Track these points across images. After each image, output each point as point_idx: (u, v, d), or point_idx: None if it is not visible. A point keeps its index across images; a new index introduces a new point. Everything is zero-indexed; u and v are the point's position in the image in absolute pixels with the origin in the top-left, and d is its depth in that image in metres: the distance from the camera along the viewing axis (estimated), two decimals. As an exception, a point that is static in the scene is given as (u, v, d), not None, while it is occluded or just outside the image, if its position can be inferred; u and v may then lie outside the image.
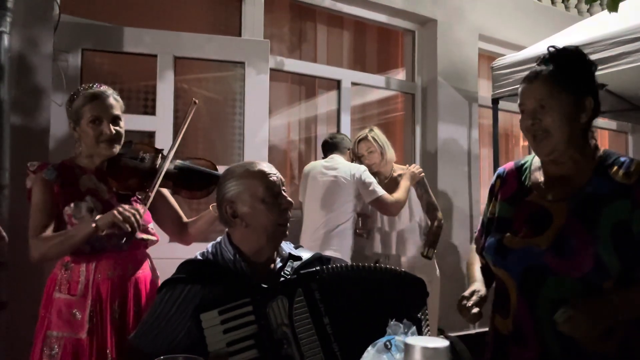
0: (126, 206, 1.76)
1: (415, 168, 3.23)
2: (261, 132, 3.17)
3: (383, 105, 4.57)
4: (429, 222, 3.27)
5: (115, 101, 1.94)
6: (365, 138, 3.23)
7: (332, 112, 4.14)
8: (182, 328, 1.39)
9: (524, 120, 1.50)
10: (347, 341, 1.34)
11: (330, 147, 3.27)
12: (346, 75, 4.10)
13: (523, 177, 1.59)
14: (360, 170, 3.07)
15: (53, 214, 1.84)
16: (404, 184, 3.11)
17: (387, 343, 0.95)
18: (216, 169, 2.06)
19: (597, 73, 1.53)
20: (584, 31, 3.35)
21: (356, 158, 3.29)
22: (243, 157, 3.11)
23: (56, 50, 2.80)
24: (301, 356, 1.32)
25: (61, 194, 1.85)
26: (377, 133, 3.25)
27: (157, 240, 1.99)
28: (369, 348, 0.98)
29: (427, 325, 1.50)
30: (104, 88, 1.95)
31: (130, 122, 3.08)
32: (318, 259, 1.63)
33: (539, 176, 1.55)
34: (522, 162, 1.64)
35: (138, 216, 1.75)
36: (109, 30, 3.00)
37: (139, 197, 2.00)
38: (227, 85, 3.29)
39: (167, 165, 1.93)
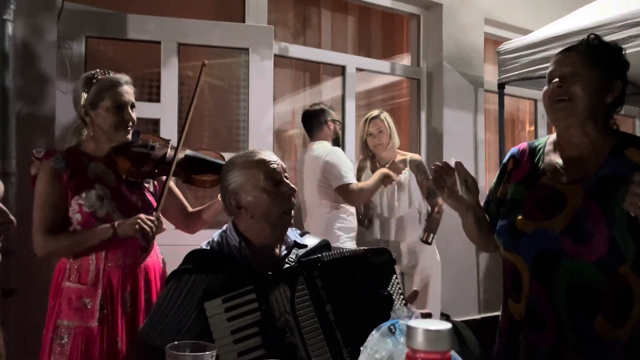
0: (145, 217, 1.77)
1: (415, 157, 3.22)
2: (266, 118, 3.16)
3: (388, 90, 4.55)
4: (430, 208, 3.26)
5: (131, 88, 1.96)
6: (377, 117, 3.21)
7: (337, 98, 4.13)
8: (188, 318, 1.39)
9: (551, 85, 1.49)
10: (349, 328, 1.34)
11: (307, 125, 3.21)
12: (351, 61, 4.07)
13: (536, 159, 1.57)
14: (327, 152, 3.02)
15: (61, 206, 1.83)
16: (376, 175, 3.06)
17: (392, 327, 0.96)
18: (224, 160, 2.06)
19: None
20: (591, 14, 3.31)
21: (361, 139, 3.27)
22: (248, 144, 3.11)
23: (60, 38, 2.79)
24: (304, 344, 1.32)
25: (70, 184, 1.83)
26: (387, 116, 3.25)
27: (164, 230, 1.97)
28: (373, 332, 0.98)
29: (401, 295, 1.48)
30: (120, 75, 1.95)
31: (135, 110, 3.07)
32: (324, 246, 1.63)
33: (553, 158, 1.53)
34: (536, 143, 1.62)
35: (155, 230, 1.79)
36: (113, 17, 2.99)
37: (146, 185, 2.01)
38: (231, 71, 3.29)
39: (180, 152, 1.93)
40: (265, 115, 3.16)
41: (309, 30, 4.15)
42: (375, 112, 3.25)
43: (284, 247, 1.57)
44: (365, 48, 4.41)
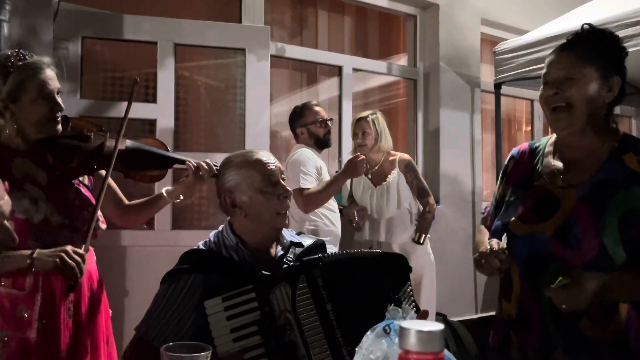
0: (72, 251, 1.53)
1: (404, 156, 3.19)
2: (262, 119, 3.16)
3: (385, 91, 4.55)
4: (421, 208, 3.22)
5: (53, 70, 1.70)
6: (364, 118, 3.15)
7: (333, 98, 4.13)
8: (188, 318, 1.40)
9: (546, 91, 1.45)
10: (349, 327, 1.35)
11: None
12: (347, 61, 4.08)
13: (535, 161, 1.56)
14: (293, 154, 3.00)
15: None
16: (335, 177, 2.94)
17: (386, 327, 0.96)
18: (167, 149, 1.94)
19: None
20: (588, 14, 3.32)
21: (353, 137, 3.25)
22: (244, 145, 3.11)
23: (56, 38, 2.79)
24: (304, 342, 1.32)
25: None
26: (379, 118, 3.18)
27: (105, 228, 1.80)
28: (368, 333, 0.98)
29: (412, 302, 1.49)
30: (39, 57, 1.69)
31: (131, 110, 3.05)
32: (320, 246, 1.65)
33: (552, 160, 1.52)
34: (537, 144, 1.60)
35: (82, 266, 1.54)
36: (109, 17, 2.98)
37: (80, 180, 1.81)
38: (227, 72, 3.28)
39: (119, 145, 1.73)
40: (262, 116, 3.16)
41: (306, 30, 4.15)
42: (365, 113, 3.19)
43: (279, 247, 1.58)
44: (362, 48, 4.41)
